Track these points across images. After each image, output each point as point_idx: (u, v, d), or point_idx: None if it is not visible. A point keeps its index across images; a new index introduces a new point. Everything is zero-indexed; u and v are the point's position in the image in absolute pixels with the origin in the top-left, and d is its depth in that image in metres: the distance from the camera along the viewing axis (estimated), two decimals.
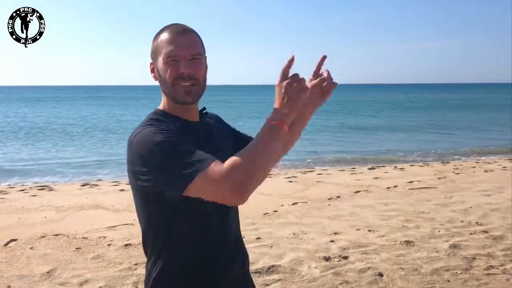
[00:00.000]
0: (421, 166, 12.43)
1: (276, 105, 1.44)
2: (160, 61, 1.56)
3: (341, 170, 11.68)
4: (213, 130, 1.73)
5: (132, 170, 1.51)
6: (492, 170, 11.07)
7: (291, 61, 1.45)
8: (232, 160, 1.35)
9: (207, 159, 1.38)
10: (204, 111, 1.74)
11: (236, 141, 1.80)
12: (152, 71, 1.62)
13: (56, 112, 41.94)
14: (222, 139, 1.75)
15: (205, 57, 1.64)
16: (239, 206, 1.67)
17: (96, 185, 10.04)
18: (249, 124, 25.38)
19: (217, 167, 1.35)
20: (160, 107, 1.65)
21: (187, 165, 1.38)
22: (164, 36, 1.57)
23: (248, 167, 1.33)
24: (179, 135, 1.48)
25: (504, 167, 11.56)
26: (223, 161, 1.42)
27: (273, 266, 4.67)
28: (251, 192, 1.34)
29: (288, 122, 1.43)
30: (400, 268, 4.63)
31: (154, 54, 1.60)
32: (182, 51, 1.54)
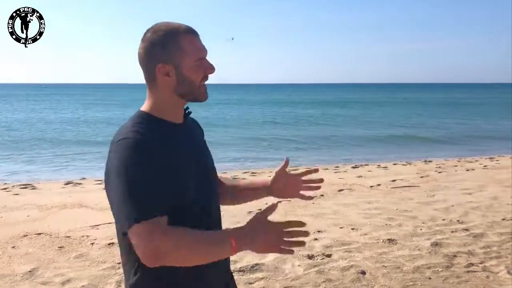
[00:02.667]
0: (404, 165, 12.55)
1: (254, 229, 1.47)
2: (189, 62, 1.55)
3: (324, 169, 11.73)
4: (195, 131, 1.77)
5: (104, 176, 1.54)
6: (473, 169, 11.23)
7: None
8: (168, 235, 1.35)
9: (150, 212, 1.37)
10: (188, 111, 1.72)
11: None
12: (167, 74, 1.56)
13: None
14: (201, 140, 1.81)
15: None
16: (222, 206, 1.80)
17: (80, 183, 9.97)
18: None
19: (151, 228, 1.35)
20: (145, 108, 1.61)
21: (133, 211, 1.37)
22: (187, 38, 1.56)
23: (174, 254, 1.36)
24: (149, 166, 1.43)
25: (485, 166, 11.74)
26: (206, 161, 1.62)
27: (256, 264, 4.69)
28: (162, 263, 1.37)
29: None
30: (383, 266, 4.68)
31: (174, 56, 1.55)
32: (205, 52, 1.60)
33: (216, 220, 1.74)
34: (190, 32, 1.58)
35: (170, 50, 1.54)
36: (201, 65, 1.58)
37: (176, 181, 1.49)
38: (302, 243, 1.48)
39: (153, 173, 1.43)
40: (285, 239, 1.46)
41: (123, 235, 1.52)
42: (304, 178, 1.92)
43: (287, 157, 1.80)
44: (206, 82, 1.62)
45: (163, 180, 1.44)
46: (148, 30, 1.59)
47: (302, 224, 1.49)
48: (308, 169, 1.91)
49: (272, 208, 1.51)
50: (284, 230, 1.47)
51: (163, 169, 1.45)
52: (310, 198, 1.94)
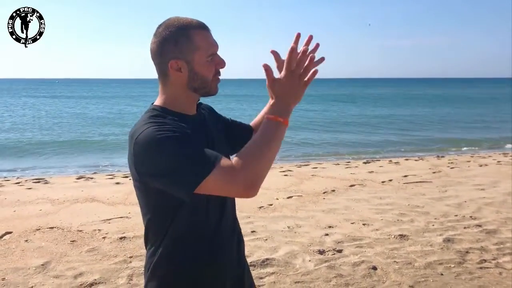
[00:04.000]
0: (416, 160, 12.47)
1: (275, 97, 1.54)
2: (200, 58, 1.57)
3: (336, 164, 11.70)
4: (208, 121, 1.78)
5: (137, 170, 1.52)
6: (486, 165, 11.12)
7: (297, 38, 1.54)
8: (241, 156, 1.44)
9: (216, 157, 1.43)
10: (198, 102, 1.75)
11: (228, 130, 1.89)
12: (179, 69, 1.58)
13: None
14: (217, 129, 1.81)
15: None
16: None
17: (92, 178, 10.04)
18: None
19: (227, 164, 1.42)
20: (158, 102, 1.64)
21: (196, 166, 1.41)
22: (197, 33, 1.57)
23: (257, 164, 1.43)
24: (183, 134, 1.47)
25: (498, 162, 11.61)
26: (220, 151, 1.55)
27: (267, 259, 4.69)
28: (260, 185, 1.44)
29: (290, 115, 1.53)
30: (394, 261, 4.66)
31: (185, 51, 1.56)
32: (216, 47, 1.61)
33: (233, 208, 1.81)
34: (202, 28, 1.58)
35: (182, 46, 1.55)
36: (213, 60, 1.59)
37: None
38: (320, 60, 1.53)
39: (182, 134, 1.47)
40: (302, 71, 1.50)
41: (161, 208, 1.60)
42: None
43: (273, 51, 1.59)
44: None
45: (191, 138, 1.49)
46: (160, 25, 1.59)
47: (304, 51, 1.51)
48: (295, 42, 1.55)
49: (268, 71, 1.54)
50: (298, 68, 1.50)
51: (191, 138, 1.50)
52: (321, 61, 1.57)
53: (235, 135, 1.92)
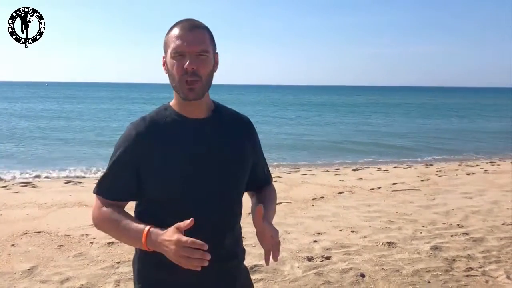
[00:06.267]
0: (404, 168, 12.54)
1: (163, 236, 1.47)
2: (169, 55, 1.60)
3: (325, 171, 11.74)
4: (223, 128, 1.73)
5: None
6: (474, 173, 11.22)
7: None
8: (106, 214, 1.66)
9: (102, 192, 1.69)
10: (219, 108, 1.76)
11: (251, 165, 1.87)
12: (163, 64, 1.66)
13: None
14: (227, 142, 1.72)
15: (216, 53, 1.68)
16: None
17: (80, 182, 9.98)
18: None
19: (98, 203, 1.70)
20: (171, 101, 1.72)
21: (98, 183, 1.71)
22: (174, 31, 1.61)
23: (106, 228, 1.73)
24: (129, 151, 1.62)
25: (485, 170, 11.72)
26: (218, 162, 1.65)
27: (255, 265, 4.68)
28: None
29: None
30: (382, 269, 4.68)
31: (164, 48, 1.64)
32: (189, 47, 1.57)
33: (218, 220, 1.76)
34: (183, 27, 1.60)
35: (164, 42, 1.64)
36: (181, 59, 1.57)
37: (157, 175, 1.62)
38: (203, 262, 1.42)
39: (127, 161, 1.63)
40: (183, 254, 1.41)
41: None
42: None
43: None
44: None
45: (133, 171, 1.63)
46: None
47: (202, 246, 1.40)
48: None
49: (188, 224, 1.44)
50: (182, 246, 1.41)
51: (144, 164, 1.62)
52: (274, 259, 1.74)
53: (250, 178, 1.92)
